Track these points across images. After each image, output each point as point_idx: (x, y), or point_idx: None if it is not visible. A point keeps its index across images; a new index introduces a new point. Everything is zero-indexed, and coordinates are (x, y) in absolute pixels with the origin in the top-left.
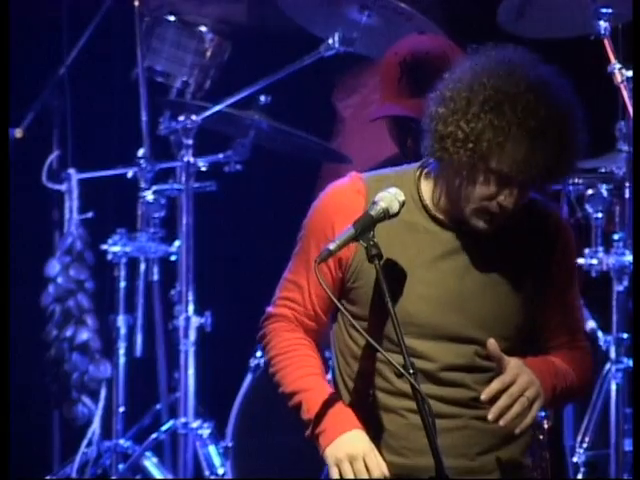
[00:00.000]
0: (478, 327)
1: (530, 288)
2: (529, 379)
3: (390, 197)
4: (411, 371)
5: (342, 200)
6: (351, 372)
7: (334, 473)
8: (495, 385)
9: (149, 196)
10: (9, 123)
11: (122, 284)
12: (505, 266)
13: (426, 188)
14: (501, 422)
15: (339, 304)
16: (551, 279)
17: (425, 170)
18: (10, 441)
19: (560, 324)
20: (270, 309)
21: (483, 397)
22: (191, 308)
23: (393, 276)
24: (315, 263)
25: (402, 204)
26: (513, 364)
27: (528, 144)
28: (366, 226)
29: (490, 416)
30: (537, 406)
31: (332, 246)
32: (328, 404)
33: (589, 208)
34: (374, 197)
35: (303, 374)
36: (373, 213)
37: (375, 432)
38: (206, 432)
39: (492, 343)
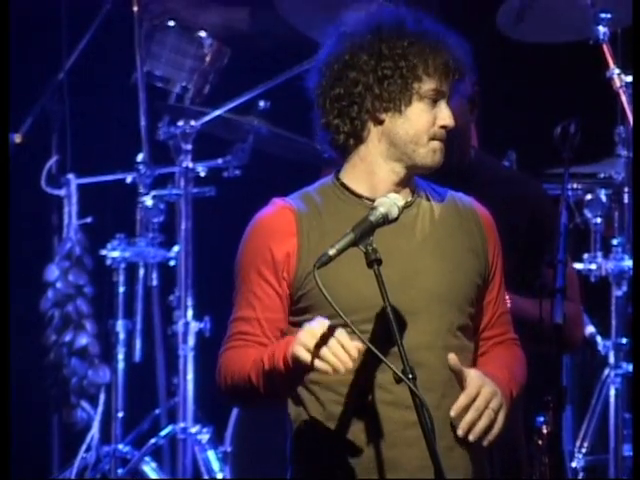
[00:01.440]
0: (435, 300)
1: (475, 264)
2: (492, 390)
3: (389, 202)
4: (410, 376)
5: (271, 223)
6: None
7: (301, 353)
8: (462, 400)
9: (148, 201)
10: (9, 128)
11: (121, 289)
12: (449, 241)
13: (354, 181)
14: (470, 437)
15: (336, 308)
16: (486, 266)
17: (339, 172)
18: (10, 446)
19: (493, 315)
20: (220, 351)
21: (452, 414)
22: (190, 313)
23: (343, 265)
24: (314, 268)
25: (400, 209)
26: (474, 375)
27: (442, 57)
28: (365, 231)
29: (459, 432)
30: (502, 416)
31: (332, 251)
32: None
33: (588, 213)
34: (301, 209)
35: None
36: (372, 218)
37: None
38: (205, 437)
39: (452, 357)
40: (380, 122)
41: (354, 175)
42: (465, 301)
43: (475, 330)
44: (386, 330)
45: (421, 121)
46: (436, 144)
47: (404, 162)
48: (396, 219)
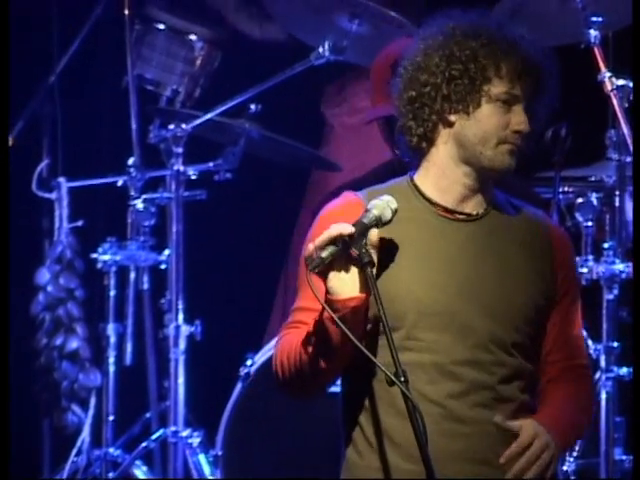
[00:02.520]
0: (489, 316)
1: (539, 284)
2: (545, 442)
3: (382, 204)
4: (402, 379)
5: (337, 215)
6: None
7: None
8: (514, 449)
9: (139, 204)
10: (8, 133)
11: (112, 293)
12: (514, 259)
13: (426, 183)
14: None
15: (331, 312)
16: (553, 288)
17: (414, 173)
18: (9, 449)
19: (559, 338)
20: (276, 341)
21: (502, 461)
22: (181, 317)
23: (403, 272)
24: (307, 272)
25: (394, 211)
26: (527, 426)
27: (518, 60)
28: (359, 234)
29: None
30: (552, 469)
31: (324, 254)
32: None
33: (579, 216)
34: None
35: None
36: (365, 221)
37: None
38: (196, 441)
39: (499, 419)
40: (450, 124)
41: (426, 178)
42: (523, 320)
43: (539, 353)
44: (446, 340)
45: (490, 124)
46: (506, 147)
47: (473, 165)
48: (389, 221)
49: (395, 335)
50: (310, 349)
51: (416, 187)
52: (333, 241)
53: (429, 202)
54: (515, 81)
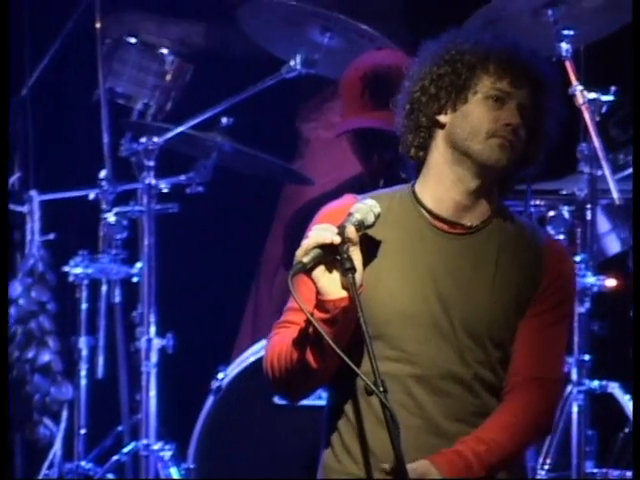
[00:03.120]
0: (472, 331)
1: (525, 302)
2: None
3: (366, 208)
4: (381, 389)
5: (333, 216)
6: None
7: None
8: None
9: (111, 218)
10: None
11: (84, 306)
12: (502, 274)
13: (424, 191)
14: None
15: (311, 317)
16: (534, 306)
17: (416, 182)
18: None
19: (526, 349)
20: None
21: None
22: (153, 330)
23: (390, 280)
24: (290, 278)
25: (377, 216)
26: (417, 470)
27: (507, 56)
28: (342, 239)
29: None
30: None
31: (306, 259)
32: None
33: (551, 229)
34: None
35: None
36: (348, 224)
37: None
38: (168, 454)
39: (385, 467)
40: (442, 126)
41: (424, 186)
42: (506, 337)
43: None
44: (428, 352)
45: (478, 117)
46: (495, 141)
47: (465, 164)
48: (372, 225)
49: (377, 343)
50: (301, 348)
51: (415, 195)
52: (317, 245)
53: (426, 211)
54: (504, 77)
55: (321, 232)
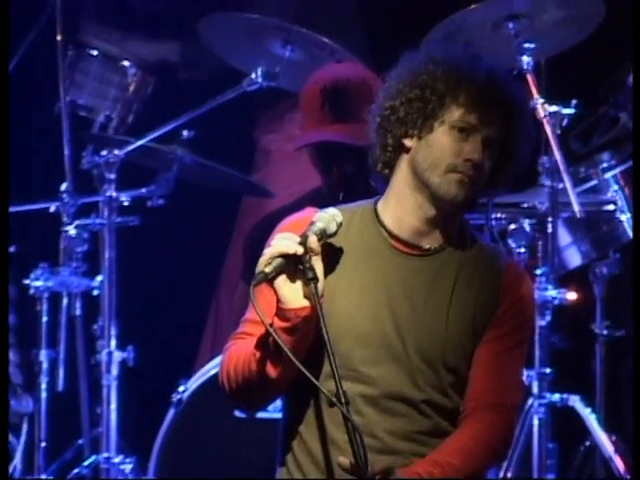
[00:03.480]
0: (423, 354)
1: (481, 325)
2: None
3: (328, 217)
4: (343, 400)
5: (292, 229)
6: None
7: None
8: None
9: (72, 230)
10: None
11: (44, 319)
12: (458, 297)
13: (385, 211)
14: None
15: (270, 328)
16: (492, 329)
17: (379, 199)
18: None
19: (483, 374)
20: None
21: None
22: (113, 343)
23: (345, 297)
24: (252, 287)
25: (339, 225)
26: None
27: (478, 89)
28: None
29: None
30: None
31: (268, 269)
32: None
33: (512, 243)
34: None
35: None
36: (309, 233)
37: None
38: (128, 467)
39: (344, 462)
40: (407, 150)
41: (386, 206)
42: (459, 360)
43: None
44: (379, 373)
45: (440, 149)
46: (454, 176)
47: (425, 193)
48: (334, 234)
49: (328, 360)
50: (259, 359)
51: (377, 213)
52: (280, 255)
53: (386, 231)
54: (473, 110)
55: (283, 242)
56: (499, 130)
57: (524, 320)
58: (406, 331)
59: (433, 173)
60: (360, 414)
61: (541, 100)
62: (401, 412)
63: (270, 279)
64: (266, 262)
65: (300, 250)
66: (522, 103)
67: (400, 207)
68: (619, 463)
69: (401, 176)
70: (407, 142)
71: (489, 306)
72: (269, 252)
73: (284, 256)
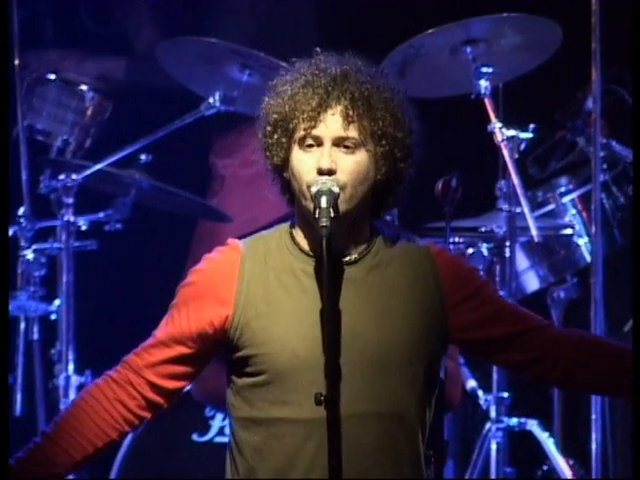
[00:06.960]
0: (369, 366)
1: (427, 319)
2: None
3: (325, 189)
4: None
5: (214, 265)
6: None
7: None
8: None
9: (29, 255)
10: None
11: None
12: (394, 299)
13: (298, 233)
14: None
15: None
16: (446, 317)
17: (294, 222)
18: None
19: (525, 325)
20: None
21: None
22: (71, 367)
23: (279, 323)
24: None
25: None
26: None
27: (312, 95)
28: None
29: None
30: None
31: None
32: None
33: None
34: (249, 254)
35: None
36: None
37: None
38: None
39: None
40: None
41: (298, 228)
42: (413, 365)
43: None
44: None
45: (297, 172)
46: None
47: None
48: (338, 195)
49: (272, 388)
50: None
51: (292, 235)
52: None
53: (302, 252)
54: (315, 121)
55: None
56: (353, 125)
57: (474, 276)
58: (346, 346)
59: (303, 198)
60: (312, 439)
61: (499, 124)
62: (353, 431)
63: None
64: None
65: None
66: (370, 86)
67: (306, 227)
68: None
69: (295, 201)
70: (284, 173)
71: (434, 299)
72: None
73: None
